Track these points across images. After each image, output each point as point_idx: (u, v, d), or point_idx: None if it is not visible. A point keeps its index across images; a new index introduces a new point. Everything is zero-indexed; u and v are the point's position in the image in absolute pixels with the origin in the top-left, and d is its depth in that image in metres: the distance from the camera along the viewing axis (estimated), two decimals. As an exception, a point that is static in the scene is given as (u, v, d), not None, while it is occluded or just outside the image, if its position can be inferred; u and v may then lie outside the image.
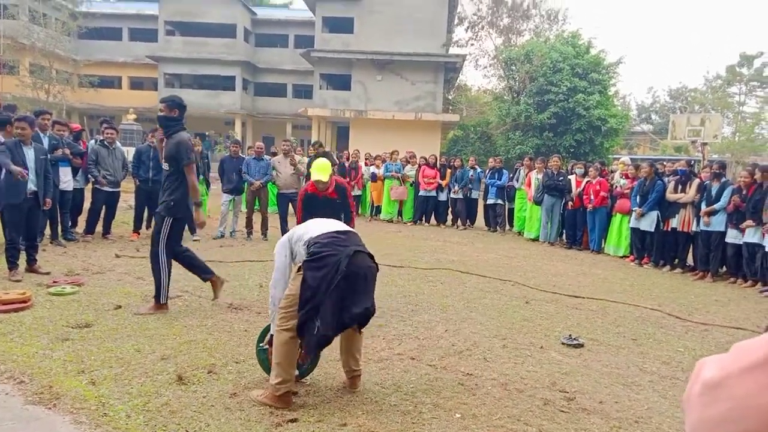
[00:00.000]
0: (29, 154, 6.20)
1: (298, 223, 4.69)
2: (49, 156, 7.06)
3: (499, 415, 3.32)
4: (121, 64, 34.60)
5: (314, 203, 5.18)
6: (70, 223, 8.53)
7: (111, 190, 8.69)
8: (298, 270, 3.34)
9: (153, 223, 9.05)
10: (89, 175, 8.65)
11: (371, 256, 3.41)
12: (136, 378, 3.54)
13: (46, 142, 7.58)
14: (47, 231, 7.96)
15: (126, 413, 3.06)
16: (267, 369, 3.56)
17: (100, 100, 32.45)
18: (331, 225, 3.52)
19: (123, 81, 35.72)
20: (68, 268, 6.54)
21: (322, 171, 5.07)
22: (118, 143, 9.00)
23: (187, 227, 9.34)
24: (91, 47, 33.33)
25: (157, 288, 5.10)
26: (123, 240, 8.77)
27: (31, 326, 4.43)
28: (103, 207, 8.72)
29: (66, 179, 8.14)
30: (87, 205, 8.88)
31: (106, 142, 8.67)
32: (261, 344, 3.69)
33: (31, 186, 6.19)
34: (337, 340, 3.46)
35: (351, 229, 3.56)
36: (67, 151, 7.99)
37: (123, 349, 4.04)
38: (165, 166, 5.32)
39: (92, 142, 9.14)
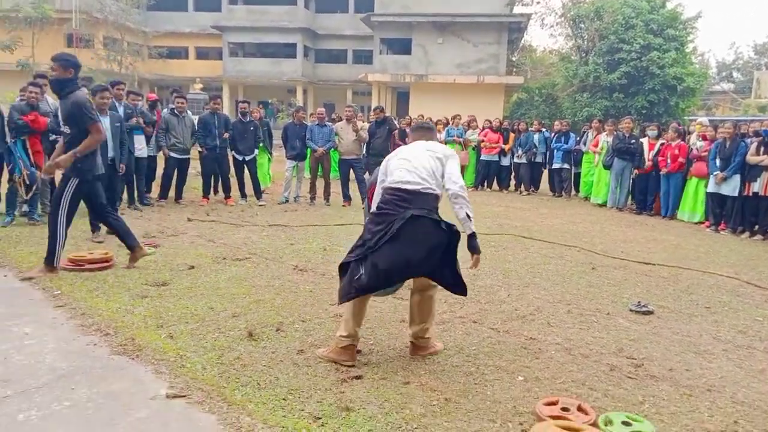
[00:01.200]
0: (105, 122, 6.52)
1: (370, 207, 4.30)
2: (125, 124, 7.42)
3: (563, 379, 3.29)
4: (187, 35, 35.49)
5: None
6: (145, 189, 8.98)
7: (180, 156, 9.04)
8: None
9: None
10: (159, 143, 9.02)
11: (439, 222, 3.24)
12: (210, 333, 3.74)
13: (121, 111, 7.94)
14: (124, 196, 8.42)
15: (202, 365, 3.25)
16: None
17: (168, 70, 33.57)
18: (404, 176, 3.28)
19: (189, 51, 36.69)
20: (145, 231, 6.91)
21: None
22: (188, 112, 9.32)
23: (253, 191, 9.69)
24: (158, 18, 34.35)
25: (50, 250, 4.89)
26: (194, 205, 9.15)
27: (114, 284, 4.74)
28: (175, 173, 9.11)
29: (140, 146, 8.53)
30: (160, 171, 9.30)
31: (176, 111, 8.99)
32: None
33: (110, 152, 6.53)
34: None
35: (421, 189, 3.25)
36: (141, 120, 8.35)
37: (197, 306, 4.26)
38: (65, 129, 4.97)
39: (165, 111, 9.50)
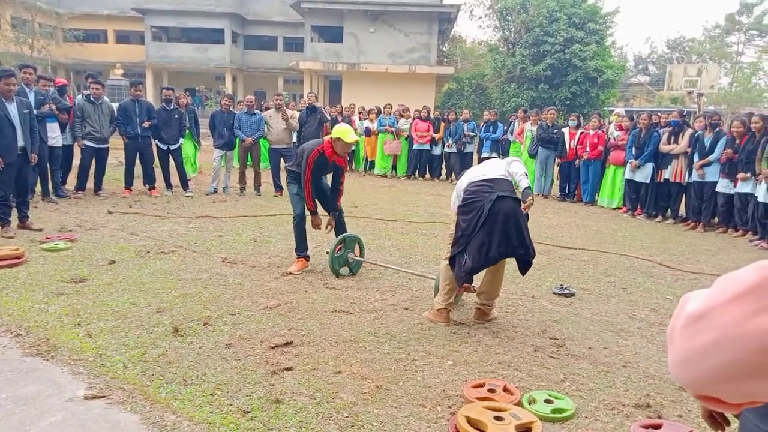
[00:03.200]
0: (11, 108, 6.06)
1: (306, 182, 5.00)
2: (35, 111, 6.94)
3: (490, 362, 3.39)
4: (106, 17, 33.61)
5: (321, 167, 5.09)
6: (60, 180, 8.47)
7: (97, 146, 8.55)
8: (455, 214, 3.91)
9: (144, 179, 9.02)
10: (74, 132, 8.51)
11: (518, 200, 3.82)
12: (133, 330, 3.59)
13: (32, 97, 7.42)
14: (38, 188, 7.91)
15: (123, 364, 3.11)
16: (335, 272, 4.92)
17: (85, 54, 31.66)
18: (482, 171, 3.95)
19: (109, 35, 34.77)
20: (61, 225, 6.53)
21: (348, 133, 4.94)
22: (105, 98, 8.82)
23: (180, 182, 9.34)
24: (74, 0, 32.32)
25: None
26: (115, 196, 8.72)
27: (26, 282, 4.45)
28: (92, 163, 8.63)
29: (54, 135, 8.02)
30: (77, 161, 8.78)
31: (92, 98, 8.50)
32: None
33: (20, 142, 6.10)
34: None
35: (500, 176, 3.89)
36: (54, 107, 7.84)
37: (118, 302, 4.08)
38: None
39: (79, 97, 8.96)
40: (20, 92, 7.10)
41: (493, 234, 3.67)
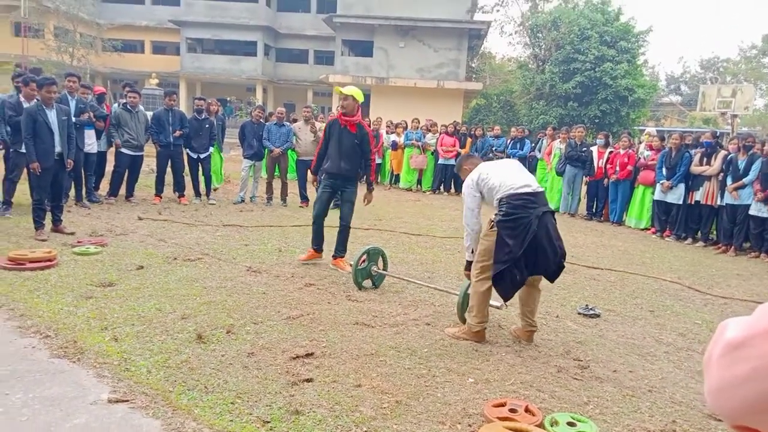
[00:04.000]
0: (51, 115, 6.26)
1: (319, 150, 5.65)
2: (74, 119, 7.15)
3: (512, 381, 3.35)
4: (143, 28, 34.56)
5: (333, 133, 5.51)
6: (94, 186, 8.68)
7: (133, 153, 8.78)
8: (491, 227, 3.83)
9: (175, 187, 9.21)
10: (111, 138, 8.74)
11: (553, 212, 3.94)
12: (157, 336, 3.64)
13: (73, 104, 7.66)
14: (72, 192, 8.13)
15: (147, 369, 3.16)
16: (358, 284, 4.93)
17: (123, 64, 32.58)
18: (519, 180, 3.86)
19: (146, 45, 35.72)
20: (92, 229, 6.68)
21: (352, 90, 5.45)
22: (140, 107, 9.06)
23: (204, 189, 9.51)
24: (114, 11, 33.36)
25: None
26: (146, 203, 8.90)
27: (56, 284, 4.56)
28: (126, 170, 8.84)
29: (90, 142, 8.25)
30: (110, 168, 9.01)
31: (128, 106, 8.73)
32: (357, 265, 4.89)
33: (57, 147, 6.29)
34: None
35: (539, 189, 3.92)
36: (92, 115, 8.07)
37: (145, 308, 4.14)
38: None
39: (115, 105, 9.21)
40: (62, 99, 7.34)
41: (538, 250, 3.76)
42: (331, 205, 5.87)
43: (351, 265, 5.13)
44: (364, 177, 5.90)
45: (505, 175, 3.93)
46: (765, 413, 0.70)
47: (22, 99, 6.89)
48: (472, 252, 4.07)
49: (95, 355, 3.28)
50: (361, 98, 5.50)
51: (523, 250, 3.68)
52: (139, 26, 34.28)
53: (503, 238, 3.72)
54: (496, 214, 3.82)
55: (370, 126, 13.61)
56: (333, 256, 5.77)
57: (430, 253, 6.83)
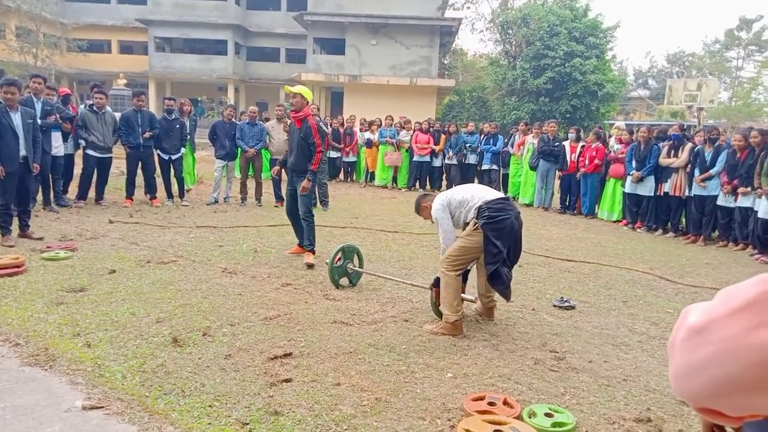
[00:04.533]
0: (16, 118, 6.10)
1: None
2: (40, 121, 6.97)
3: (490, 374, 3.38)
4: (110, 28, 33.83)
5: (290, 130, 5.99)
6: (62, 189, 8.48)
7: (100, 155, 8.59)
8: (475, 228, 4.00)
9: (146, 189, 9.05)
10: (79, 140, 8.54)
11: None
12: (132, 340, 3.57)
13: (39, 107, 7.46)
14: (39, 197, 7.92)
15: (122, 374, 3.10)
16: (335, 283, 4.98)
17: (89, 64, 31.85)
18: (488, 191, 4.22)
19: (112, 45, 34.97)
20: (62, 234, 6.53)
21: (300, 89, 5.79)
22: (108, 108, 8.87)
23: (177, 190, 9.37)
24: (78, 10, 32.59)
25: None
26: (116, 206, 8.72)
27: (26, 290, 4.45)
28: (95, 172, 8.66)
29: (57, 144, 8.05)
30: (78, 171, 8.81)
31: (95, 107, 8.54)
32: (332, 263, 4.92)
33: (22, 151, 6.13)
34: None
35: (507, 196, 4.39)
36: (59, 117, 7.88)
37: (118, 312, 4.07)
38: None
39: (82, 107, 9.00)
40: (27, 102, 7.14)
41: (517, 246, 4.15)
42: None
43: (327, 262, 5.11)
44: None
45: (473, 190, 4.29)
46: (726, 395, 0.71)
47: None
48: None
49: (68, 362, 3.21)
50: (309, 96, 5.85)
51: (508, 246, 4.00)
52: (105, 26, 33.56)
53: (491, 240, 3.93)
54: (478, 218, 3.99)
55: (342, 125, 13.60)
56: (298, 244, 6.17)
57: (407, 249, 6.85)
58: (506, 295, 4.13)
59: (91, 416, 2.67)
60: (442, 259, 4.11)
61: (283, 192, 9.60)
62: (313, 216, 5.98)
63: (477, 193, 4.17)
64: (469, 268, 4.26)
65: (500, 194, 4.26)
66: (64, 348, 3.39)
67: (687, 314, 0.78)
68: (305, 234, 5.93)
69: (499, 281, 4.00)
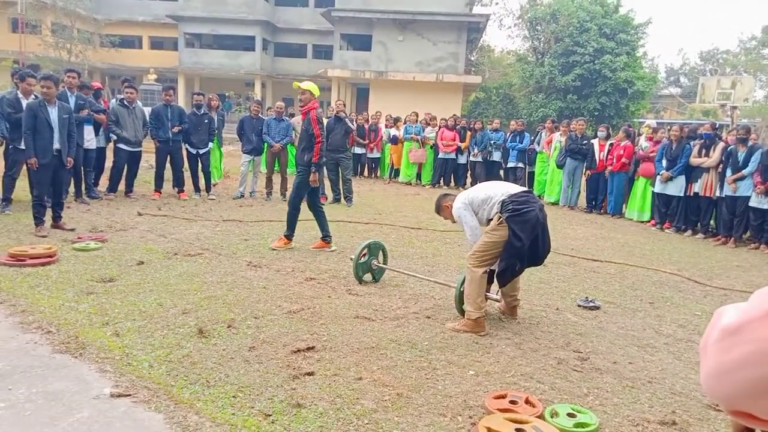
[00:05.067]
0: (53, 113, 6.26)
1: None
2: (74, 115, 7.14)
3: (512, 373, 3.36)
4: (141, 24, 34.42)
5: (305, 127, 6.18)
6: (93, 182, 8.68)
7: (131, 149, 8.77)
8: (500, 222, 3.98)
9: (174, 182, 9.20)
10: (111, 134, 8.73)
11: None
12: (159, 330, 3.65)
13: (72, 101, 7.64)
14: (71, 189, 8.12)
15: (149, 363, 3.17)
16: (358, 278, 4.98)
17: (121, 60, 32.49)
18: (511, 187, 4.22)
19: (143, 41, 35.59)
20: (92, 225, 6.69)
21: (309, 85, 6.09)
22: (138, 103, 9.05)
23: (204, 184, 9.51)
24: (111, 6, 33.19)
25: None
26: (145, 199, 8.90)
27: (57, 280, 4.57)
28: (125, 166, 8.84)
29: (89, 138, 8.24)
30: (109, 164, 9.01)
31: (125, 102, 8.71)
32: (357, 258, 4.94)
33: (56, 144, 6.29)
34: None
35: (530, 190, 4.40)
36: (91, 111, 8.06)
37: (146, 303, 4.15)
38: None
39: (113, 101, 9.19)
40: (61, 96, 7.32)
41: (538, 242, 4.05)
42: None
43: (351, 258, 5.13)
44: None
45: (495, 186, 4.27)
46: (761, 398, 0.70)
47: (20, 95, 6.88)
48: None
49: (97, 350, 3.29)
50: (317, 92, 6.16)
51: (532, 239, 3.97)
52: (136, 21, 34.13)
53: (515, 232, 3.91)
54: (503, 212, 3.98)
55: (367, 121, 13.62)
56: (321, 238, 6.34)
57: (431, 246, 6.84)
58: (501, 283, 4.15)
59: (118, 403, 2.74)
60: (469, 255, 4.10)
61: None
62: (299, 207, 6.19)
63: (499, 189, 4.17)
64: (494, 268, 4.21)
65: (522, 188, 4.26)
66: (94, 336, 3.48)
67: (720, 315, 0.77)
68: (287, 220, 6.19)
69: (508, 271, 4.02)
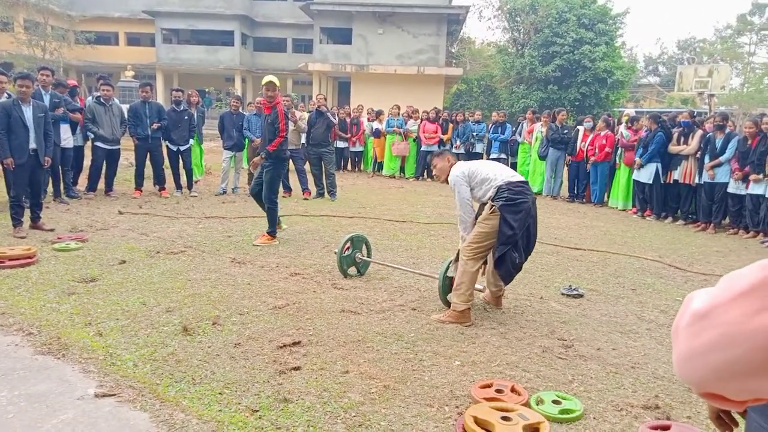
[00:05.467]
0: (27, 112, 6.14)
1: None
2: (49, 114, 7.01)
3: (498, 362, 3.39)
4: (117, 20, 33.88)
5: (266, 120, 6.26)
6: (72, 181, 8.54)
7: (109, 147, 8.64)
8: (492, 212, 3.99)
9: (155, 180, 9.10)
10: (88, 132, 8.59)
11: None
12: (142, 329, 3.62)
13: (47, 99, 7.50)
14: (50, 188, 7.99)
15: (133, 362, 3.14)
16: (343, 272, 4.97)
17: (97, 56, 31.95)
18: (510, 173, 4.24)
19: (120, 37, 35.04)
20: (72, 225, 6.59)
21: (270, 78, 6.09)
22: (115, 100, 8.91)
23: (185, 181, 9.42)
24: (85, 2, 32.58)
25: None
26: (126, 197, 8.79)
27: (38, 281, 4.50)
28: (104, 164, 8.71)
29: (66, 137, 8.11)
30: (87, 162, 8.87)
31: (102, 99, 8.58)
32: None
33: (32, 144, 6.17)
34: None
35: (526, 180, 4.32)
36: (66, 110, 7.92)
37: (128, 302, 4.11)
38: None
39: (89, 99, 9.04)
40: (36, 94, 7.18)
41: (530, 233, 4.15)
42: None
43: (335, 252, 5.12)
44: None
45: (496, 168, 4.25)
46: (730, 380, 0.72)
47: None
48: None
49: (80, 351, 3.25)
50: (278, 84, 6.23)
51: (524, 231, 4.03)
52: (112, 17, 33.59)
53: (507, 221, 3.95)
54: (496, 199, 4.00)
55: (349, 115, 13.58)
56: (267, 231, 6.32)
57: (415, 239, 6.86)
58: (506, 279, 4.19)
59: (103, 403, 2.71)
60: (463, 246, 4.10)
61: (290, 182, 9.68)
62: (275, 202, 6.22)
63: (500, 174, 4.16)
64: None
65: (521, 177, 4.28)
66: (77, 337, 3.44)
67: (690, 300, 0.78)
68: (268, 218, 6.20)
69: (503, 266, 4.06)
